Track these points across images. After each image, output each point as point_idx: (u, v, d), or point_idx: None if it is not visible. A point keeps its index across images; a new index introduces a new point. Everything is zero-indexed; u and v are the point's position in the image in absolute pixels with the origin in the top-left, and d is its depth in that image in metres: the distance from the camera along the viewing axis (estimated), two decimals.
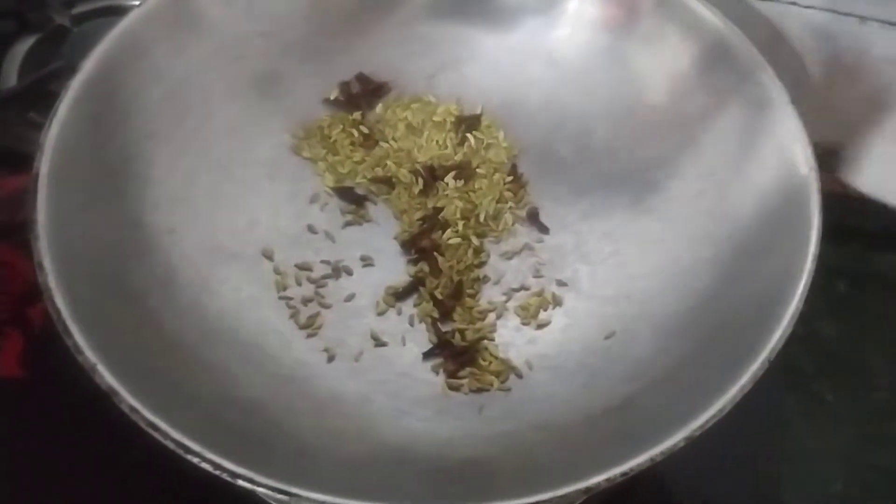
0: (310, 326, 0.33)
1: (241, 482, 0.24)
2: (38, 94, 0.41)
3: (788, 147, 0.31)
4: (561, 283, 0.35)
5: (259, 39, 0.37)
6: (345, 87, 0.39)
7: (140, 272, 0.31)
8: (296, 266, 0.35)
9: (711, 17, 0.35)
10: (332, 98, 0.39)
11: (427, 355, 0.33)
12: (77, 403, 0.27)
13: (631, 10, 0.37)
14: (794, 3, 0.39)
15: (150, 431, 0.24)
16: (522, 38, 0.39)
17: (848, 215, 0.44)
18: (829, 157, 0.43)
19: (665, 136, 0.36)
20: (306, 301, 0.34)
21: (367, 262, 0.35)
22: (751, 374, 0.25)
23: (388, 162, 0.37)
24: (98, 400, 0.25)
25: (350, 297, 0.34)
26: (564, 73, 0.38)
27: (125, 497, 0.34)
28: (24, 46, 0.45)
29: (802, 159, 0.31)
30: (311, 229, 0.36)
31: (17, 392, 0.36)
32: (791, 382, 0.39)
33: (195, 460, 0.24)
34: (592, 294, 0.35)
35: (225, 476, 0.24)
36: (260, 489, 0.24)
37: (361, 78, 0.39)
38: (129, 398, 0.25)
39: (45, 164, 0.29)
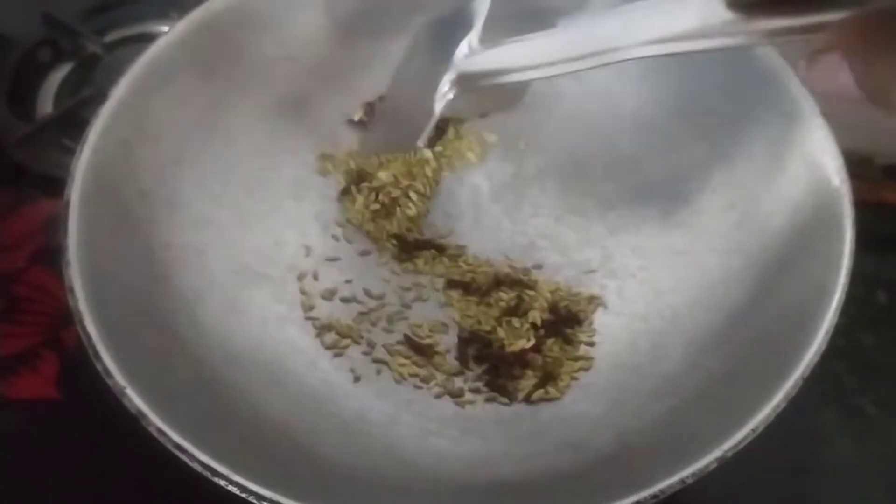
0: (335, 346, 0.33)
1: None
2: (72, 121, 0.42)
3: (819, 159, 0.31)
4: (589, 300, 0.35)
5: (285, 63, 0.37)
6: (368, 107, 0.39)
7: (169, 294, 0.31)
8: (322, 287, 0.35)
9: None
10: (356, 119, 0.39)
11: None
12: (110, 425, 0.27)
13: None
14: None
15: (178, 453, 0.25)
16: None
17: (886, 225, 0.43)
18: (864, 166, 0.42)
19: (693, 148, 0.35)
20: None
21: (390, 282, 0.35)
22: (784, 393, 0.25)
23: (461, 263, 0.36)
24: (131, 422, 0.25)
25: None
26: (589, 87, 0.38)
27: None
28: (59, 75, 0.46)
29: (833, 171, 0.30)
30: (337, 250, 0.36)
31: (51, 413, 0.36)
32: (831, 396, 0.38)
33: (222, 483, 0.24)
34: (621, 311, 0.34)
35: (252, 499, 0.24)
36: None
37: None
38: (157, 421, 0.25)
39: (76, 191, 0.30)
